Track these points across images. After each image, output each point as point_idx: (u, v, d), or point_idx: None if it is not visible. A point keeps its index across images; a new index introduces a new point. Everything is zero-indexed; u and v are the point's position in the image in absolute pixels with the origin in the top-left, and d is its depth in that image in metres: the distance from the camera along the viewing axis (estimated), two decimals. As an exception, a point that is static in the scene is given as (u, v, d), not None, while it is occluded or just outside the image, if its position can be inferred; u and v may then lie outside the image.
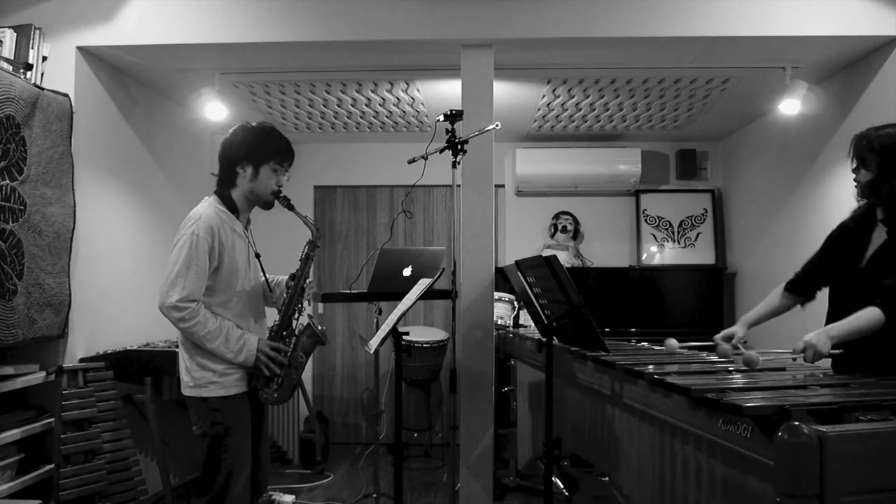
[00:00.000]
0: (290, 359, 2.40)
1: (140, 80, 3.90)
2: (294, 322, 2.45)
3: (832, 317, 2.18)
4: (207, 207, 2.34)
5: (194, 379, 2.30)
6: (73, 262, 3.18)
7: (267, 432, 2.57)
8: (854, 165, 2.13)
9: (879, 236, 2.12)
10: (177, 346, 2.49)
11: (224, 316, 2.32)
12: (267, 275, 2.54)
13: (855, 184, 2.15)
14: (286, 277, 2.52)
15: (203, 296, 2.27)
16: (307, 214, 2.47)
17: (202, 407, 2.31)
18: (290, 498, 3.86)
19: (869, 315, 1.94)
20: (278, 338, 2.41)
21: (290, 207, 2.43)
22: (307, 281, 2.47)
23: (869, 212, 2.17)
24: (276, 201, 2.44)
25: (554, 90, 4.14)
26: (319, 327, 2.47)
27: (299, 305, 2.45)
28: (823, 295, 2.33)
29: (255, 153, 2.37)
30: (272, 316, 2.52)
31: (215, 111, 3.85)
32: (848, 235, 2.22)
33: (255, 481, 2.44)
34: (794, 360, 2.00)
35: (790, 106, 3.70)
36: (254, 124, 2.44)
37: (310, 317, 2.51)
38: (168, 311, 2.22)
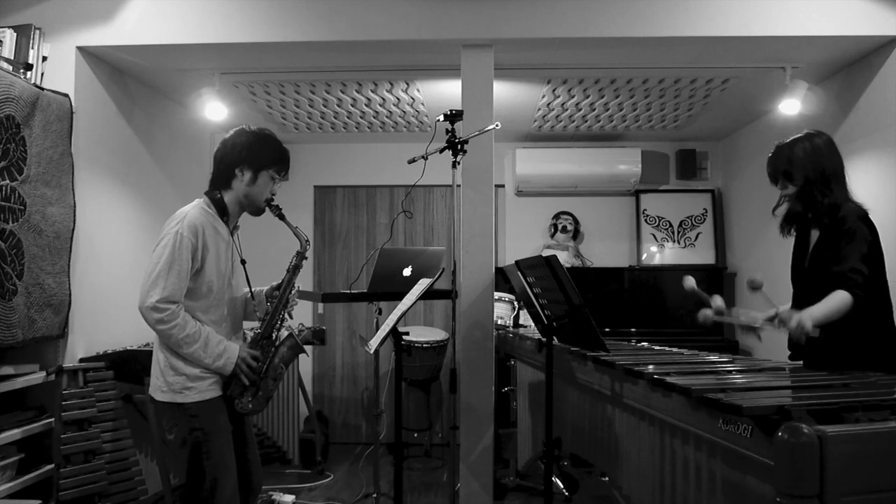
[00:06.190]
0: (269, 369, 2.35)
1: (140, 80, 3.91)
2: (275, 333, 2.39)
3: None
4: (194, 208, 2.28)
5: (169, 384, 2.22)
6: (73, 262, 3.18)
7: (252, 435, 2.51)
8: (779, 184, 2.35)
9: (815, 236, 2.33)
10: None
11: (203, 321, 2.26)
12: (251, 284, 2.47)
13: (784, 198, 2.37)
14: (268, 288, 2.47)
15: (184, 299, 2.21)
16: (297, 225, 2.43)
17: (178, 413, 2.23)
18: (290, 498, 3.86)
19: (840, 298, 2.05)
20: (257, 347, 2.36)
21: (281, 217, 2.37)
22: (292, 292, 2.42)
23: (802, 218, 2.37)
24: (268, 209, 2.39)
25: (554, 90, 4.14)
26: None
27: (282, 316, 2.40)
28: None
29: (257, 157, 2.33)
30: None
31: (215, 111, 3.85)
32: (797, 241, 2.43)
33: (248, 485, 2.41)
34: (777, 323, 2.11)
35: (790, 106, 3.70)
36: (255, 128, 2.39)
37: (290, 328, 2.47)
38: (147, 312, 2.15)
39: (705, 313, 2.36)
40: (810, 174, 2.26)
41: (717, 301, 2.39)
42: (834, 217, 2.22)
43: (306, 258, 2.47)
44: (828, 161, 2.28)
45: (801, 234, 2.40)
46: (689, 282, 2.48)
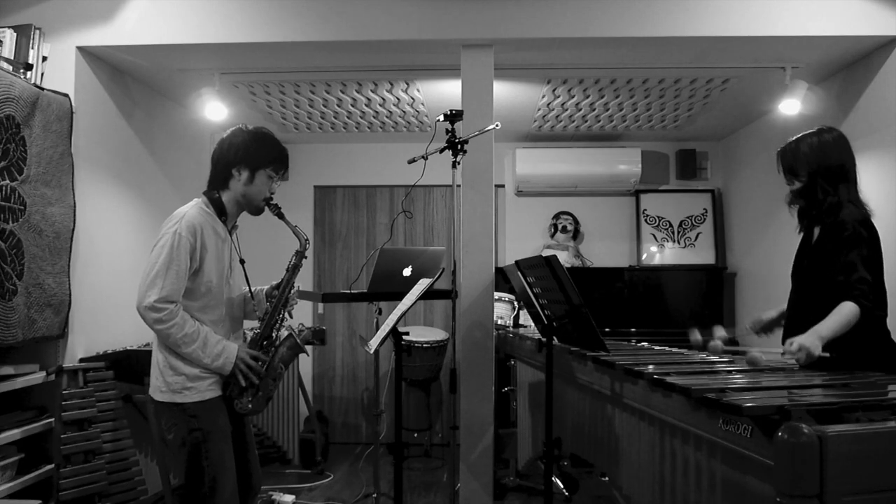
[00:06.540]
0: (269, 369, 2.34)
1: (140, 80, 3.91)
2: (274, 332, 2.39)
3: (790, 312, 2.36)
4: (192, 207, 2.28)
5: (168, 384, 2.22)
6: (73, 262, 3.18)
7: (252, 435, 2.51)
8: (787, 179, 2.33)
9: (817, 233, 2.31)
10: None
11: (201, 321, 2.25)
12: (250, 284, 2.46)
13: (790, 193, 2.35)
14: (268, 287, 2.46)
15: (182, 298, 2.20)
16: (297, 224, 2.43)
17: (177, 413, 2.22)
18: (290, 498, 3.86)
19: (847, 311, 2.03)
20: (257, 347, 2.35)
21: (281, 216, 2.37)
22: (291, 291, 2.41)
23: (806, 214, 2.36)
24: (267, 208, 2.37)
25: (554, 90, 4.14)
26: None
27: (281, 315, 2.39)
28: None
29: (253, 157, 2.31)
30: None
31: (215, 111, 3.85)
32: (803, 238, 2.41)
33: (248, 485, 2.40)
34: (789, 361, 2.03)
35: (790, 106, 3.70)
36: (252, 128, 2.38)
37: (290, 328, 2.46)
38: (145, 312, 2.14)
39: (715, 345, 2.32)
40: (814, 170, 2.23)
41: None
42: (834, 218, 2.18)
43: (306, 257, 2.46)
44: (834, 158, 2.22)
45: (808, 232, 2.37)
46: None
